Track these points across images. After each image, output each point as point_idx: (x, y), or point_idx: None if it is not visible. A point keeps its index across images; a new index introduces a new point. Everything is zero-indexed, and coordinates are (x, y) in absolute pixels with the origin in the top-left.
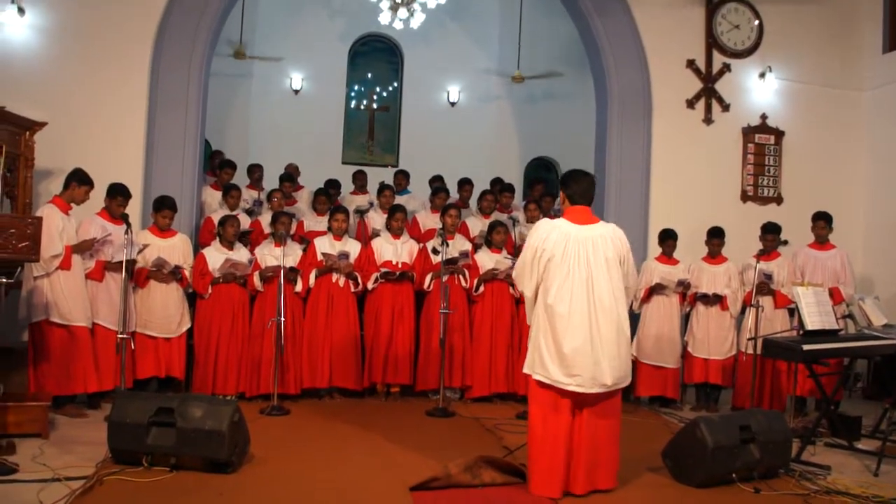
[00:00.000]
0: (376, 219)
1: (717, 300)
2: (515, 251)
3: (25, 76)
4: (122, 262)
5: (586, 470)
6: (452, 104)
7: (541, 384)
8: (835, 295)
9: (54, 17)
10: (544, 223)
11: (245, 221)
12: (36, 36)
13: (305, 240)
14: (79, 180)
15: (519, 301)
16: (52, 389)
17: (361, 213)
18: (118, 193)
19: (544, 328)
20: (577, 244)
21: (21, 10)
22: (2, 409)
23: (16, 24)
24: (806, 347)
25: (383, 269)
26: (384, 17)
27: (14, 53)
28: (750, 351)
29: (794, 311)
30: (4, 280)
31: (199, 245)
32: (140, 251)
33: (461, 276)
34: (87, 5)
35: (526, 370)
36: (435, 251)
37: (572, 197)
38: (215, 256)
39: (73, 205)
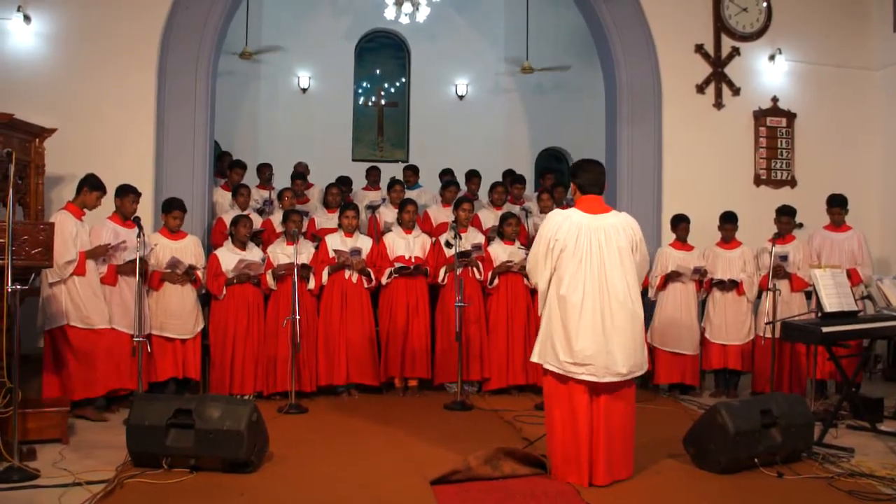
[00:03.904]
0: (388, 214)
1: (733, 286)
2: (529, 242)
3: (33, 83)
4: (134, 264)
5: (606, 459)
6: (461, 97)
7: (554, 374)
8: (852, 276)
9: (60, 23)
10: (556, 213)
11: (256, 221)
12: (42, 43)
13: (317, 237)
14: (90, 186)
15: (534, 292)
16: (77, 392)
17: (373, 208)
18: (129, 191)
19: (556, 318)
20: (589, 234)
21: (27, 18)
22: (21, 415)
23: (22, 32)
24: (825, 329)
25: (397, 264)
26: (389, 13)
27: (21, 61)
28: (768, 335)
29: (811, 294)
30: (19, 286)
31: (211, 246)
32: (151, 250)
33: (475, 269)
34: (92, 11)
35: (535, 359)
36: (448, 244)
37: (583, 187)
38: (228, 257)
39: (85, 210)
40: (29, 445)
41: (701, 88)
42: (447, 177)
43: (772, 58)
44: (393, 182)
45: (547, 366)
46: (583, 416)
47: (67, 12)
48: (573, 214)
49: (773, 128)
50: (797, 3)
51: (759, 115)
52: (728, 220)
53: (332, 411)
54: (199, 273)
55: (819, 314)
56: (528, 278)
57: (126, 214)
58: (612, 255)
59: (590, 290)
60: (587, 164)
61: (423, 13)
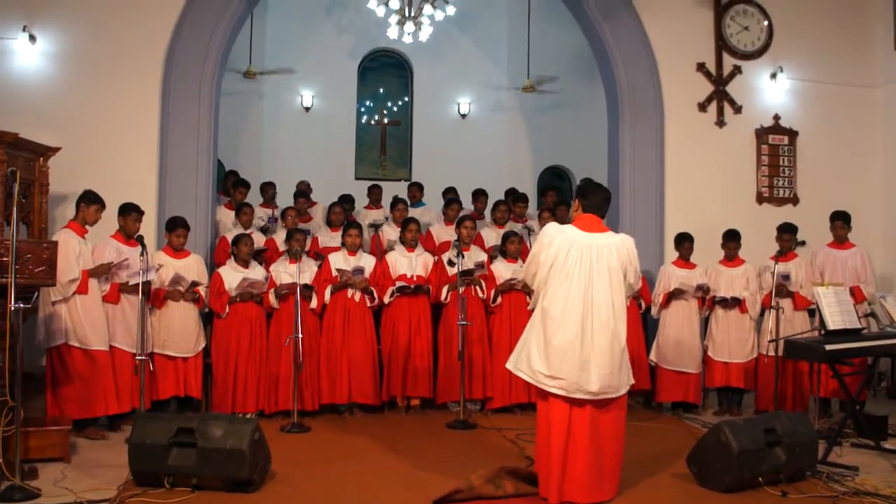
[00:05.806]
0: (390, 233)
1: (735, 303)
2: None
3: (38, 102)
4: (137, 284)
5: (588, 476)
6: (463, 116)
7: (537, 388)
8: (856, 294)
9: (65, 43)
10: (552, 227)
11: (259, 240)
12: (47, 62)
13: (320, 256)
14: (88, 200)
15: None
16: (72, 413)
17: (376, 227)
18: (131, 210)
19: (536, 328)
20: (580, 250)
21: (32, 38)
22: (23, 434)
23: (28, 51)
24: (829, 347)
25: (399, 283)
26: (392, 32)
27: (26, 80)
28: (771, 353)
29: (814, 312)
30: (22, 305)
31: (214, 264)
32: (156, 271)
33: (478, 288)
34: (97, 30)
35: (509, 366)
36: (451, 263)
37: (588, 207)
38: (231, 275)
39: (87, 227)
40: (31, 464)
41: (703, 106)
42: (449, 195)
43: (773, 76)
44: (396, 201)
45: (518, 373)
46: (558, 431)
47: (72, 32)
48: (567, 230)
49: (776, 146)
50: (798, 21)
51: (761, 133)
52: (731, 238)
53: (334, 430)
54: (202, 291)
55: (822, 332)
56: (531, 296)
57: (129, 233)
58: (601, 274)
59: (572, 306)
60: (599, 190)
61: (425, 32)
